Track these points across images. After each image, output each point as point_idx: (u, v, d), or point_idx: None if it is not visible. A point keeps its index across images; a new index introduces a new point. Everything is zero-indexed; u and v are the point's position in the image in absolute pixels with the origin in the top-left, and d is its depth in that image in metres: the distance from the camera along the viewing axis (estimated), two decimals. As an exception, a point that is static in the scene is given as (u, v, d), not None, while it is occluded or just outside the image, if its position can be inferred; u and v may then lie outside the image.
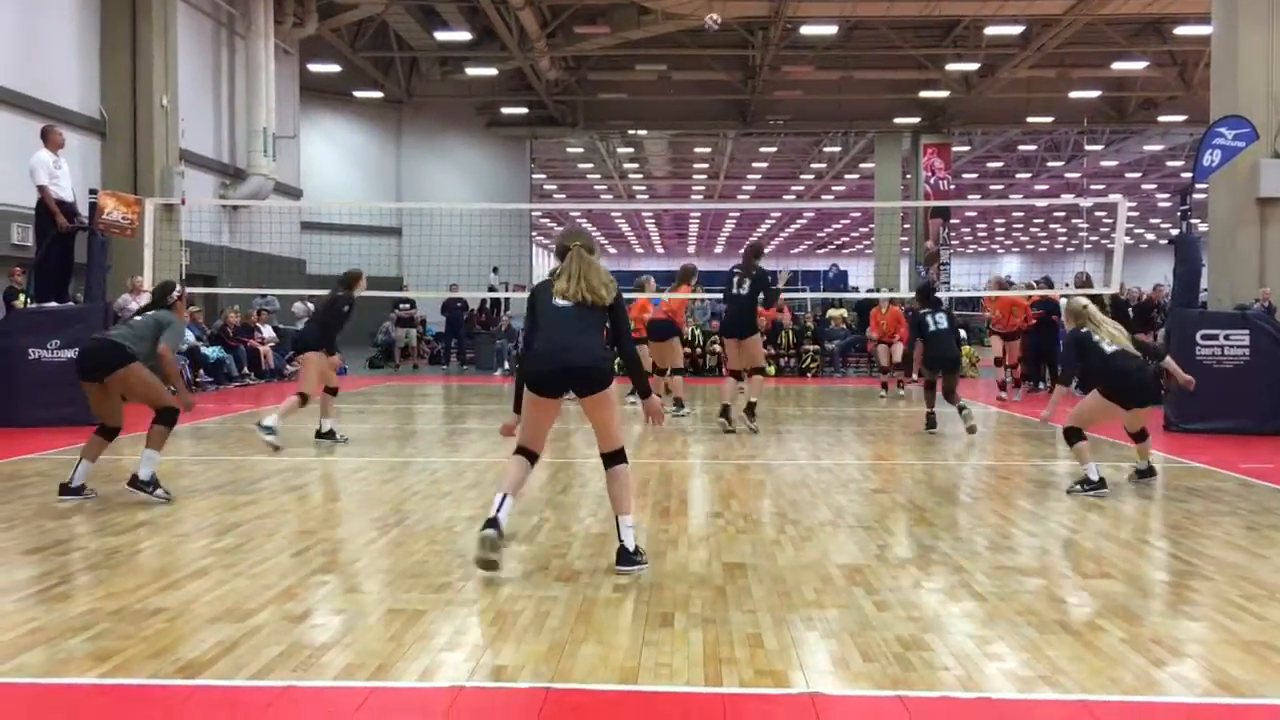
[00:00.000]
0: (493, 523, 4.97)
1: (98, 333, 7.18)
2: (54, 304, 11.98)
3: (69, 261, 12.33)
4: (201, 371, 16.52)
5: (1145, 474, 7.77)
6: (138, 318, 7.06)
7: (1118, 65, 28.80)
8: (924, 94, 31.11)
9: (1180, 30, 25.63)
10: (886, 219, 34.76)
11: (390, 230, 31.19)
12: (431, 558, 5.40)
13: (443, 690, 3.53)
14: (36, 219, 12.23)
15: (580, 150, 42.97)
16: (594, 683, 3.59)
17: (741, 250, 11.65)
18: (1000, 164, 47.68)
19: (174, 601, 4.53)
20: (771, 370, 11.92)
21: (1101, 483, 7.21)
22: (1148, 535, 6.22)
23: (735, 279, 11.09)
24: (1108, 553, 5.57)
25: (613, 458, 5.19)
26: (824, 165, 45.58)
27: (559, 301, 5.19)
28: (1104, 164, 46.96)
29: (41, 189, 11.82)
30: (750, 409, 11.14)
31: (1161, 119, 33.24)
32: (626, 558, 5.12)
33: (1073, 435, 7.40)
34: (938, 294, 12.31)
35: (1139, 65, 28.88)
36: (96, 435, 6.93)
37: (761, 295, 11.03)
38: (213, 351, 17.12)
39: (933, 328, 11.00)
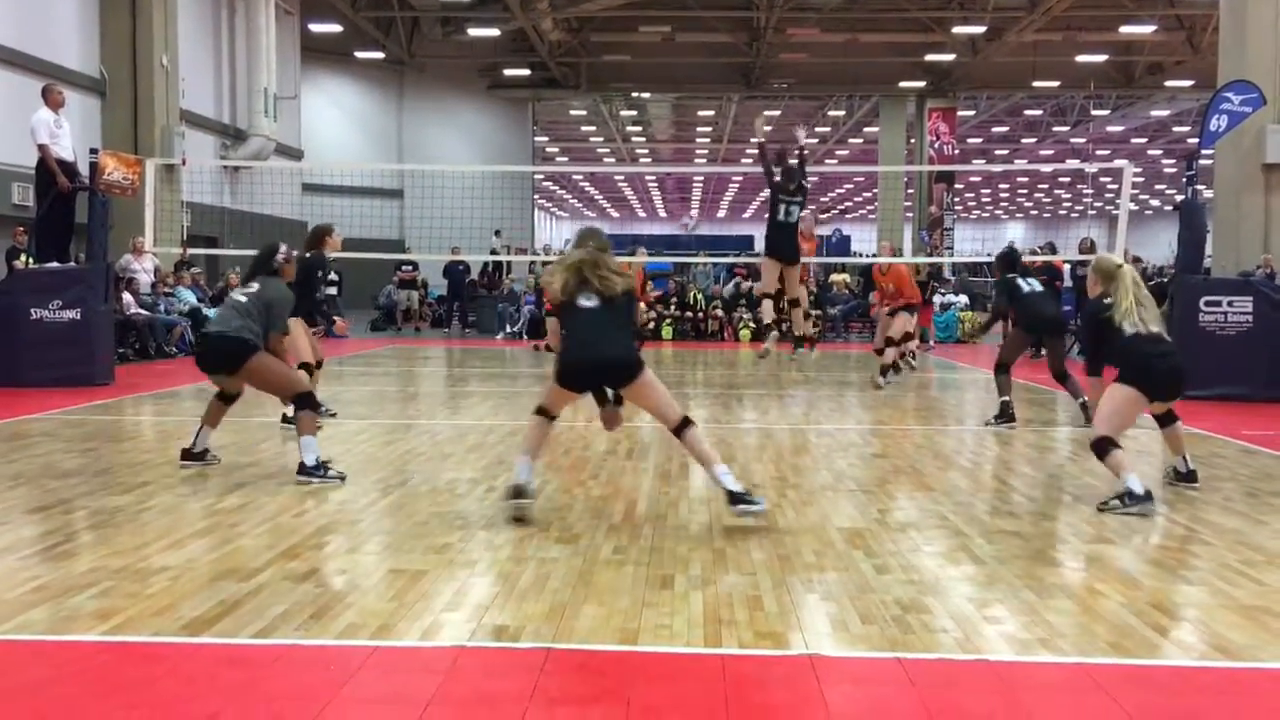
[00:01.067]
0: (519, 490, 5.39)
1: (212, 325, 6.85)
2: (55, 264, 11.98)
3: (70, 221, 12.33)
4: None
5: (1185, 478, 6.40)
6: (242, 296, 6.68)
7: (1125, 29, 28.51)
8: (930, 57, 30.83)
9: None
10: (890, 183, 34.53)
11: (392, 193, 31.06)
12: (433, 519, 5.42)
13: (444, 649, 3.55)
14: (37, 178, 12.22)
15: (583, 113, 42.72)
16: (595, 643, 3.62)
17: (784, 165, 10.61)
18: (1005, 129, 47.39)
19: (177, 560, 4.56)
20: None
21: (1148, 496, 5.69)
22: (1147, 501, 6.23)
23: (784, 205, 10.34)
24: (1107, 519, 5.58)
25: (680, 428, 5.40)
26: (828, 129, 45.33)
27: (584, 303, 5.42)
28: (1110, 129, 46.65)
29: (42, 148, 11.80)
30: (802, 339, 11.08)
31: (1168, 84, 32.98)
32: (739, 499, 5.28)
33: (1103, 447, 5.87)
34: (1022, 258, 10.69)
35: (1147, 29, 28.61)
36: (216, 400, 6.82)
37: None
38: (214, 313, 17.10)
39: (1027, 289, 9.40)
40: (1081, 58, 30.75)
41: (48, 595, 4.05)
